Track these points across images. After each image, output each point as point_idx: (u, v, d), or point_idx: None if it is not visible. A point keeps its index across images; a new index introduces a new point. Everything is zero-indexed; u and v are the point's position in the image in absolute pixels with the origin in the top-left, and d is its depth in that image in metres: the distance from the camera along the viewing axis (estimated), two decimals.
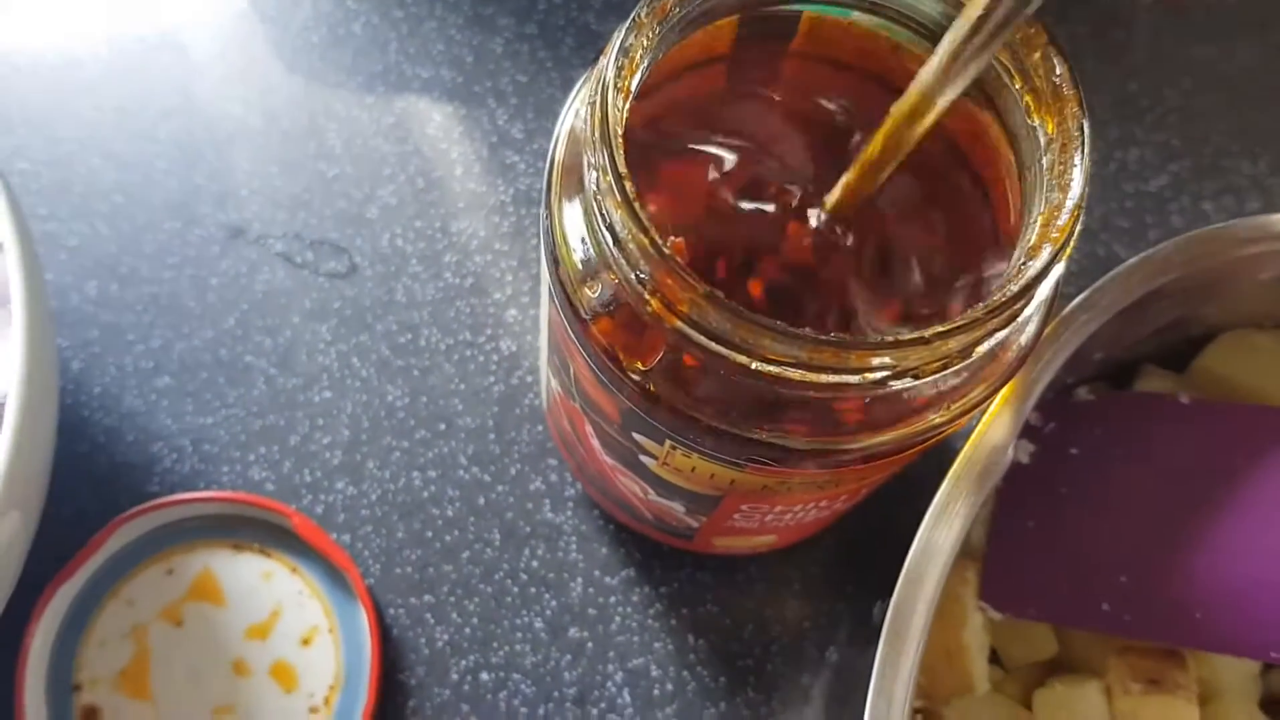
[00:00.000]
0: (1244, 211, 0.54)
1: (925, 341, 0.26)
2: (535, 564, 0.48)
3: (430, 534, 0.48)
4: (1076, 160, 0.28)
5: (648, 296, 0.28)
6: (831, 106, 0.35)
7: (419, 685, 0.46)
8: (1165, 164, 0.54)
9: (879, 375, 0.27)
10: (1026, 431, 0.40)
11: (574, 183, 0.31)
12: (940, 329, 0.26)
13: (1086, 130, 0.28)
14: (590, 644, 0.47)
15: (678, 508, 0.39)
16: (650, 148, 0.34)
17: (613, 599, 0.47)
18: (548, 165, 0.32)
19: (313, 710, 0.45)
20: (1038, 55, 0.29)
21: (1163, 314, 0.38)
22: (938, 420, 0.31)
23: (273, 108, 0.54)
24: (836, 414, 0.30)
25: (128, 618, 0.46)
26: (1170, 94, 0.56)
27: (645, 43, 0.29)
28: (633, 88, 0.30)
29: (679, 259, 0.27)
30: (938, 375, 0.28)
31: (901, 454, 0.32)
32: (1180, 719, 0.38)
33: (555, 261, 0.31)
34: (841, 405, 0.30)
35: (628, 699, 0.46)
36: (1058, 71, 0.29)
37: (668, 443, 0.32)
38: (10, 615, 0.41)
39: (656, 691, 0.46)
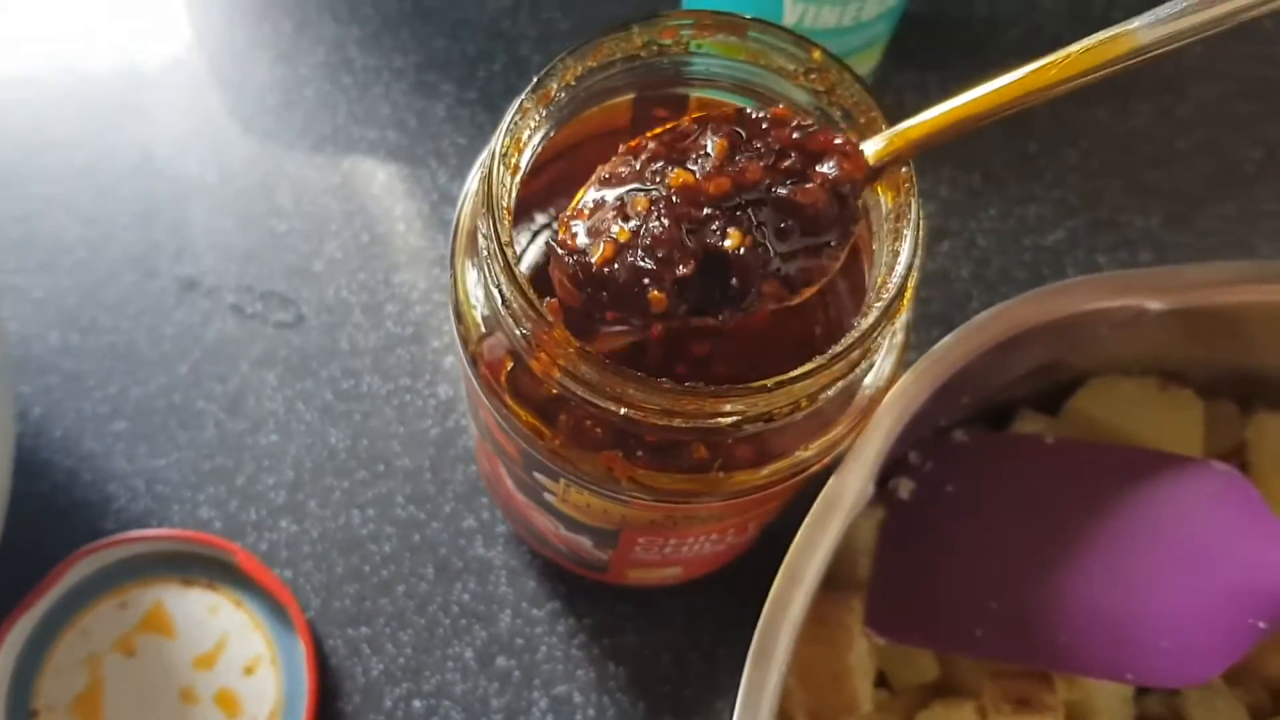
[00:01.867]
0: (1137, 263, 0.58)
1: (768, 390, 0.30)
2: (466, 597, 0.51)
3: (368, 569, 0.51)
4: (907, 230, 0.31)
5: (531, 351, 0.31)
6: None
7: (355, 712, 0.49)
8: (1063, 220, 0.58)
9: (733, 420, 0.31)
10: (907, 470, 0.44)
11: (474, 245, 0.35)
12: (781, 378, 0.30)
13: (915, 204, 0.31)
14: (517, 672, 0.50)
15: (586, 542, 0.42)
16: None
17: (539, 630, 0.50)
18: (452, 227, 0.36)
19: None
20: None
21: (1024, 361, 0.41)
22: (803, 456, 0.34)
23: (228, 166, 0.58)
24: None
25: (83, 648, 0.49)
26: (1069, 153, 0.60)
27: (533, 123, 0.33)
28: (523, 164, 0.33)
29: (553, 319, 0.30)
30: (791, 418, 0.32)
31: (774, 488, 0.35)
32: None
33: (458, 317, 0.35)
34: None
35: None
36: None
37: (562, 480, 0.36)
38: None
39: (579, 717, 0.49)
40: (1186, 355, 0.45)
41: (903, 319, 0.34)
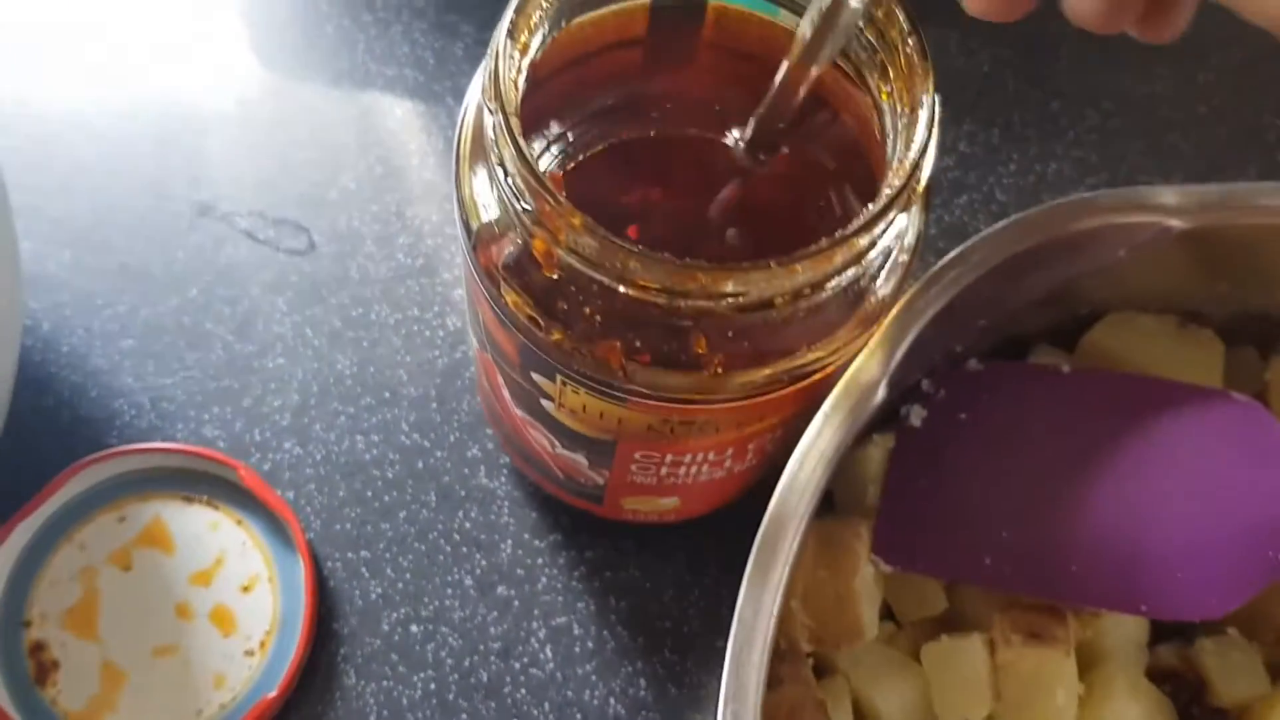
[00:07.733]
0: None
1: (770, 268, 0.29)
2: (468, 525, 0.50)
3: (370, 494, 0.51)
4: (923, 120, 0.31)
5: (532, 230, 0.31)
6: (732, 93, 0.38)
7: (351, 634, 0.49)
8: (1083, 178, 0.57)
9: (734, 300, 0.30)
10: (919, 397, 0.43)
11: (480, 147, 0.34)
12: (784, 258, 0.29)
13: (928, 99, 0.31)
14: (516, 602, 0.49)
15: (581, 461, 0.42)
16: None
17: (539, 560, 0.50)
18: (458, 130, 0.36)
19: (248, 653, 0.48)
20: (895, 31, 0.33)
21: (1040, 283, 0.40)
22: (805, 360, 0.34)
23: (247, 98, 0.58)
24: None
25: (79, 560, 0.49)
26: (1090, 114, 0.59)
27: (544, 4, 0.33)
28: (533, 44, 0.33)
29: (555, 191, 0.30)
30: (795, 307, 0.31)
31: (774, 393, 0.34)
32: (1056, 671, 0.40)
33: (462, 209, 0.35)
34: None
35: (549, 654, 0.49)
36: (910, 44, 0.32)
37: (559, 378, 0.35)
38: None
39: (578, 649, 0.49)
40: (1207, 292, 0.44)
41: (910, 235, 0.34)
